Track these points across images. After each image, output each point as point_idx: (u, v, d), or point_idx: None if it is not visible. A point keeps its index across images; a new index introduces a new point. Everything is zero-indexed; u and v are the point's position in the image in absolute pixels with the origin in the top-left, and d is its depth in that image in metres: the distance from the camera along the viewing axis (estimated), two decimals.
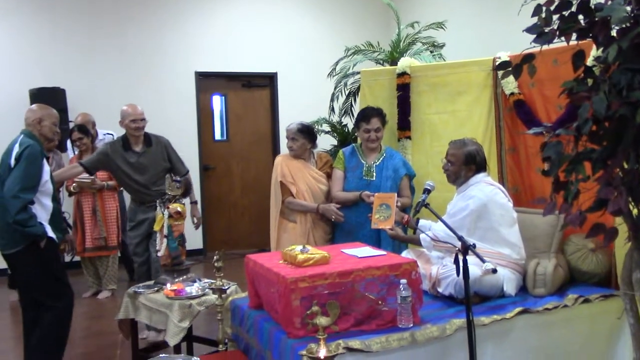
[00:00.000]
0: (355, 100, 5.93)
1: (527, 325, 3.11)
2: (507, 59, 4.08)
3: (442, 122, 4.41)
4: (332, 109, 5.99)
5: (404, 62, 4.52)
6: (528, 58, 2.37)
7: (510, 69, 2.44)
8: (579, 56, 2.32)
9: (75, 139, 5.98)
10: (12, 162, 3.64)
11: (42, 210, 3.70)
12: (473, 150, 3.60)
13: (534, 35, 2.29)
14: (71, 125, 6.49)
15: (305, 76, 8.22)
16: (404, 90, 4.48)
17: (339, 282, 2.89)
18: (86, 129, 6.04)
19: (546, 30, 2.30)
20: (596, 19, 2.14)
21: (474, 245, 2.73)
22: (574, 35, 2.27)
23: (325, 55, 8.04)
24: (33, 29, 7.23)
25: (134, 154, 4.69)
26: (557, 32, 2.29)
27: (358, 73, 5.71)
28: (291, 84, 8.25)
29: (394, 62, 5.58)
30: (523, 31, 2.36)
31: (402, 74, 4.48)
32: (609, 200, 2.20)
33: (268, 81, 8.45)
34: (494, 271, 2.61)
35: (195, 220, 5.02)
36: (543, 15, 2.35)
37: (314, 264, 3.01)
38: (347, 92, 5.85)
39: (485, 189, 3.51)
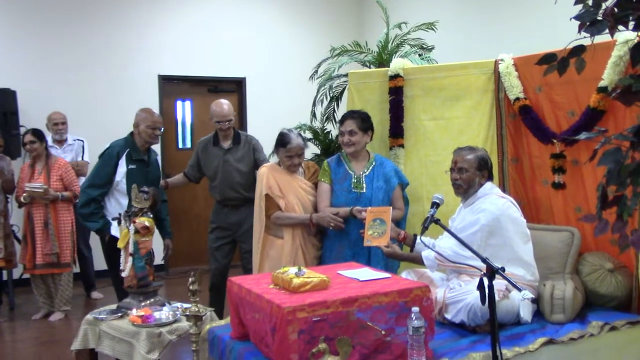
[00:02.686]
0: (338, 104, 5.54)
1: (552, 358, 2.76)
2: (511, 61, 3.79)
3: (438, 130, 4.08)
4: (314, 115, 5.58)
5: (397, 64, 4.16)
6: (578, 50, 2.01)
7: (555, 63, 2.07)
8: (639, 49, 1.97)
9: (26, 142, 5.40)
10: (98, 158, 4.23)
11: (118, 207, 4.12)
12: (485, 155, 3.32)
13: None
14: (22, 129, 5.92)
15: (276, 82, 7.81)
16: (396, 94, 4.12)
17: (341, 312, 2.48)
18: (41, 134, 5.48)
19: (600, 18, 1.95)
20: None
21: (503, 269, 2.35)
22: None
23: (297, 60, 7.70)
24: None
25: (221, 150, 4.57)
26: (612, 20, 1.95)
27: (343, 76, 5.33)
28: (261, 89, 7.82)
29: (381, 64, 5.21)
30: (571, 19, 2.00)
31: (395, 77, 4.13)
32: None
33: (236, 87, 8.01)
34: (533, 301, 2.25)
35: None
36: (590, 2, 2.00)
37: (311, 290, 2.60)
38: (330, 96, 5.45)
39: (497, 201, 3.18)
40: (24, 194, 5.30)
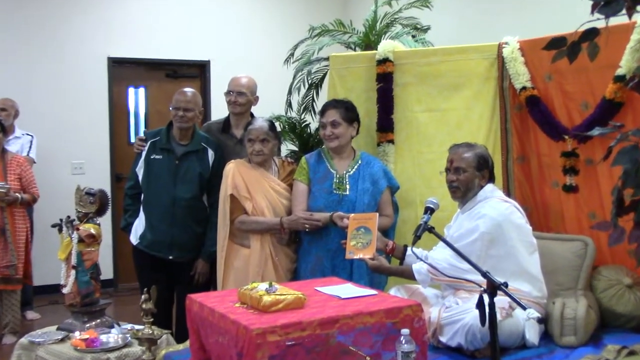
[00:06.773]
0: (318, 93, 5.58)
1: None
2: (517, 44, 3.84)
3: (433, 123, 4.13)
4: (290, 104, 5.60)
5: (386, 46, 4.20)
6: (591, 34, 2.03)
7: (564, 48, 2.10)
8: None
9: None
10: None
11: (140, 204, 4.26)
12: (485, 152, 3.36)
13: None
14: None
15: (245, 66, 7.73)
16: (385, 82, 4.16)
17: (320, 334, 2.49)
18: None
19: None
20: None
21: (506, 284, 2.39)
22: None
23: (270, 41, 7.72)
24: None
25: (232, 138, 4.31)
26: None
27: (324, 59, 5.36)
28: (228, 74, 7.68)
29: (368, 46, 5.25)
30: None
31: (384, 61, 4.16)
32: None
33: (198, 71, 8.03)
34: (540, 321, 2.28)
35: None
36: None
37: (285, 309, 2.61)
38: (309, 82, 5.48)
39: (499, 206, 3.22)
40: None
